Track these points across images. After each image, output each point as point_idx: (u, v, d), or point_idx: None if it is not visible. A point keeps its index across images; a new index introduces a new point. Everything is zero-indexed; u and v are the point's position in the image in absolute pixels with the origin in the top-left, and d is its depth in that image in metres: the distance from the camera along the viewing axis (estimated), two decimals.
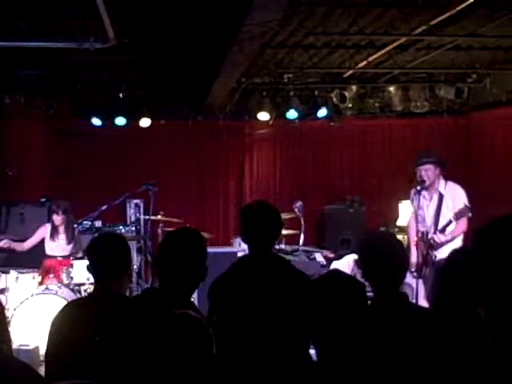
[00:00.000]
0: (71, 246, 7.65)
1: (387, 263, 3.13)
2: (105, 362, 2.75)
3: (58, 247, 7.67)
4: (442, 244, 6.29)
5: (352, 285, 2.50)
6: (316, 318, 2.45)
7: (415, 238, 6.50)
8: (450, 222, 6.25)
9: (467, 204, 6.30)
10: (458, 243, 6.21)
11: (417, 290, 6.03)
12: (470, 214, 6.14)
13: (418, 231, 6.43)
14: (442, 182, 6.48)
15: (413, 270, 6.20)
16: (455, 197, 6.37)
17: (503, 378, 1.58)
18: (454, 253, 2.52)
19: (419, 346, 2.40)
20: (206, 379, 1.80)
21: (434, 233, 6.37)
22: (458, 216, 6.16)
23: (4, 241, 7.53)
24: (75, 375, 3.01)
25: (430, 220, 6.50)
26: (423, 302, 5.95)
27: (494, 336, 1.62)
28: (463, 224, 6.31)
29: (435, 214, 6.42)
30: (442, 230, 6.29)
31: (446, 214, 6.38)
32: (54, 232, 7.67)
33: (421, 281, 6.16)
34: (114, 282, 3.41)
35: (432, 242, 6.34)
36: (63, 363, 3.17)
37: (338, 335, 2.39)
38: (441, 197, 6.42)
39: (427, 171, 6.40)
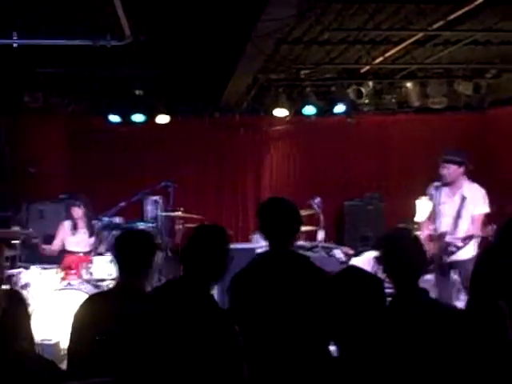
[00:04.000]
0: (93, 239, 7.70)
1: (408, 259, 3.15)
2: (126, 357, 2.78)
3: (79, 243, 7.72)
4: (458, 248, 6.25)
5: (369, 280, 2.50)
6: (333, 314, 2.46)
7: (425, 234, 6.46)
8: (471, 237, 6.19)
9: (486, 209, 6.27)
10: (472, 245, 6.18)
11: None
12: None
13: (432, 229, 6.41)
14: (466, 182, 6.40)
15: None
16: (476, 201, 6.33)
17: None
18: (484, 251, 2.52)
19: (441, 341, 2.40)
20: (233, 373, 1.82)
21: (454, 235, 6.31)
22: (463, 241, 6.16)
23: (37, 240, 7.61)
24: (97, 369, 3.04)
25: (448, 219, 6.41)
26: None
27: None
28: (478, 225, 6.26)
29: (456, 215, 6.34)
30: (464, 240, 6.22)
31: (466, 217, 6.33)
32: (74, 227, 7.73)
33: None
34: (138, 278, 3.46)
35: (449, 245, 6.27)
36: (85, 357, 3.21)
37: (355, 331, 2.40)
38: (463, 199, 6.33)
39: (449, 169, 6.35)
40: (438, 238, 6.33)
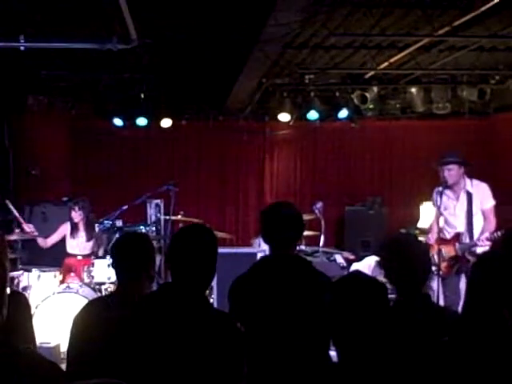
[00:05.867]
0: (91, 243, 7.72)
1: (412, 264, 3.13)
2: (124, 361, 2.76)
3: (78, 245, 7.75)
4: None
5: (374, 286, 2.49)
6: (337, 318, 2.44)
7: (434, 240, 6.46)
8: (496, 231, 6.17)
9: (493, 201, 6.31)
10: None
11: (438, 292, 6.00)
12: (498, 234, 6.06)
13: (440, 234, 6.39)
14: (468, 180, 6.44)
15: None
16: (482, 196, 6.38)
17: None
18: (484, 256, 2.51)
19: (443, 347, 2.39)
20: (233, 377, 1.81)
21: (471, 234, 6.32)
22: (491, 238, 6.12)
23: (32, 228, 7.60)
24: (96, 374, 3.02)
25: (460, 220, 6.43)
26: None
27: None
28: (492, 218, 6.30)
29: (467, 214, 6.36)
30: (489, 238, 6.20)
31: (477, 212, 6.36)
32: (74, 229, 7.76)
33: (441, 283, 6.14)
34: (136, 282, 3.41)
35: (473, 246, 6.26)
36: (84, 361, 3.19)
37: (359, 336, 2.38)
38: (469, 196, 6.36)
39: (451, 171, 6.37)
40: (455, 239, 6.35)
